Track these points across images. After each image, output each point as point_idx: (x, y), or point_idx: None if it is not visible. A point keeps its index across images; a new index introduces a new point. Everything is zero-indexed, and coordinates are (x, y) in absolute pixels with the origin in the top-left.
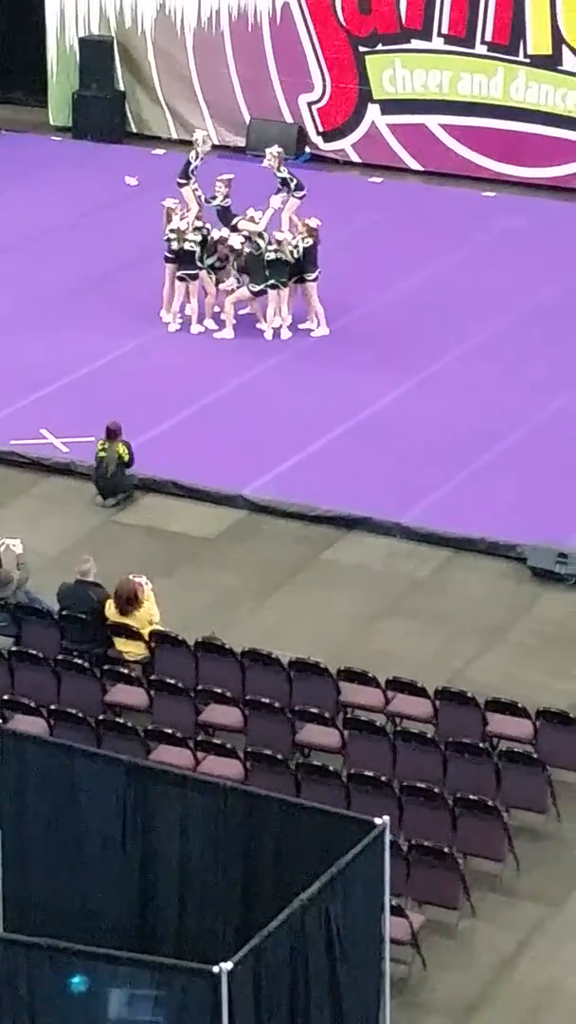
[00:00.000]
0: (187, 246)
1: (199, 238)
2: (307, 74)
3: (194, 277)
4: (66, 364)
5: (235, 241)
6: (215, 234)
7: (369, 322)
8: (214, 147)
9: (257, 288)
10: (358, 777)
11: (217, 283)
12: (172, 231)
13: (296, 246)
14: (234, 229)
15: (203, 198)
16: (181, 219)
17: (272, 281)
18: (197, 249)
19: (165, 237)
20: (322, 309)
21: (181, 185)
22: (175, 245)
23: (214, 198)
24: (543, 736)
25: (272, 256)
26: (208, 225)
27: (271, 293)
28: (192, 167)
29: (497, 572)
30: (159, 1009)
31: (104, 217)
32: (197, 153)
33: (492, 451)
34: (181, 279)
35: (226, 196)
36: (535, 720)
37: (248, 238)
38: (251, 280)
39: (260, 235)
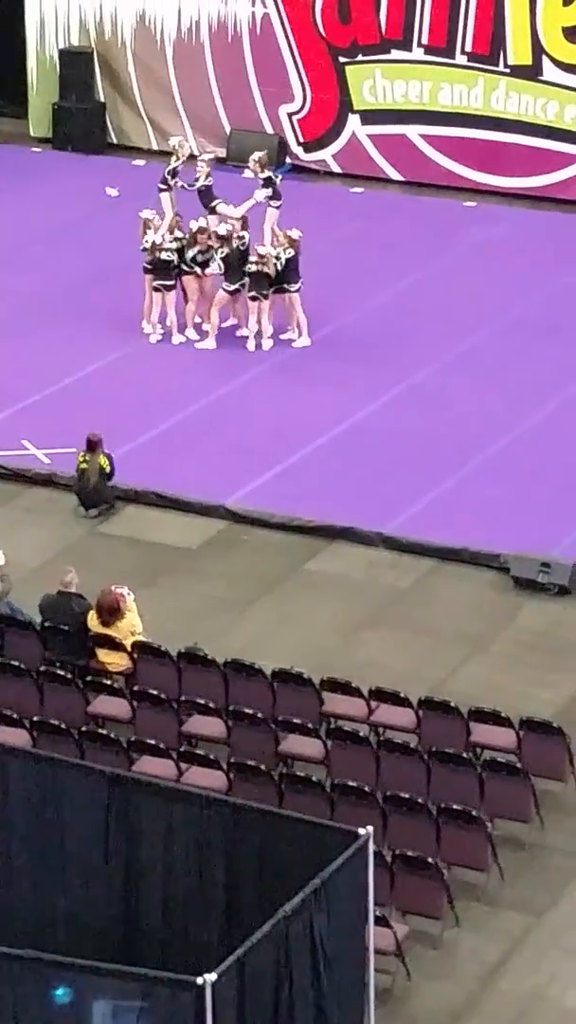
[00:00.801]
0: (163, 256)
1: (175, 247)
2: (287, 85)
3: (170, 288)
4: (47, 375)
5: (221, 229)
6: (193, 225)
7: (351, 332)
8: (192, 157)
9: (232, 287)
10: (342, 787)
11: (203, 273)
12: (148, 242)
13: (278, 257)
14: (212, 211)
15: (181, 184)
16: (156, 231)
17: (252, 292)
18: (174, 258)
19: (142, 248)
20: (305, 319)
21: (161, 191)
22: (151, 256)
23: (197, 180)
24: (526, 745)
25: (253, 268)
26: (184, 235)
27: (251, 304)
28: (169, 168)
29: (480, 582)
30: (143, 1020)
31: (85, 228)
32: (177, 156)
33: (475, 461)
34: (157, 290)
35: (208, 175)
36: (518, 730)
37: (226, 239)
38: (226, 279)
39: (240, 237)
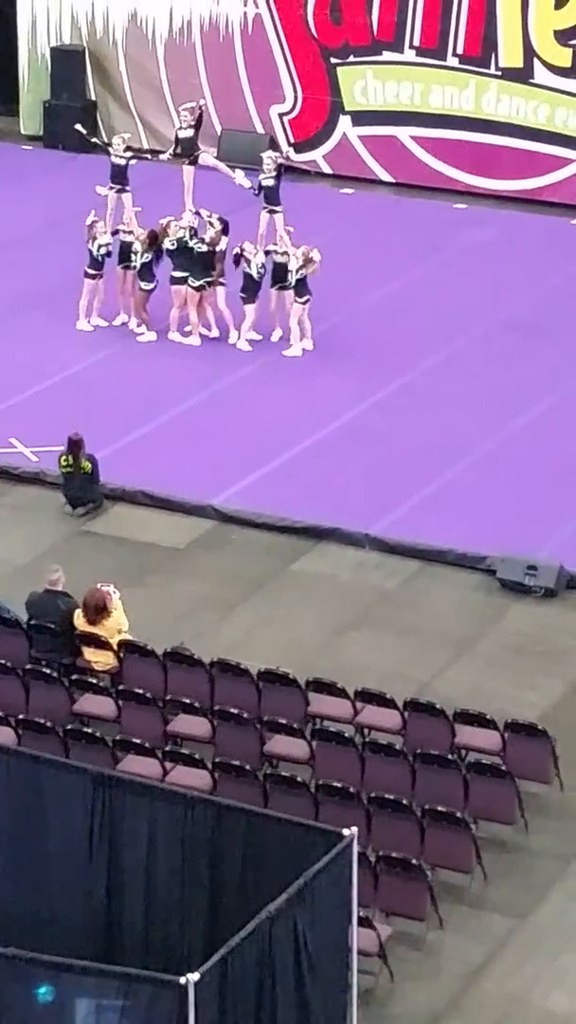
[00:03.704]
0: (90, 244)
1: (106, 241)
2: (278, 85)
3: (93, 276)
4: (35, 373)
5: (186, 220)
6: (162, 220)
7: (340, 334)
8: (130, 148)
9: (197, 283)
10: (326, 788)
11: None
12: (88, 228)
13: (263, 267)
14: (194, 161)
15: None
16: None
17: (304, 297)
18: (94, 250)
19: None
20: (297, 330)
21: (112, 188)
22: (90, 246)
23: (181, 128)
24: (511, 748)
25: (303, 275)
26: (128, 227)
27: (296, 308)
28: (115, 161)
29: (466, 584)
30: (125, 1019)
31: (74, 226)
32: (117, 154)
33: (462, 463)
34: (86, 274)
35: (191, 126)
36: (503, 732)
37: (204, 240)
38: (192, 276)
39: (214, 238)
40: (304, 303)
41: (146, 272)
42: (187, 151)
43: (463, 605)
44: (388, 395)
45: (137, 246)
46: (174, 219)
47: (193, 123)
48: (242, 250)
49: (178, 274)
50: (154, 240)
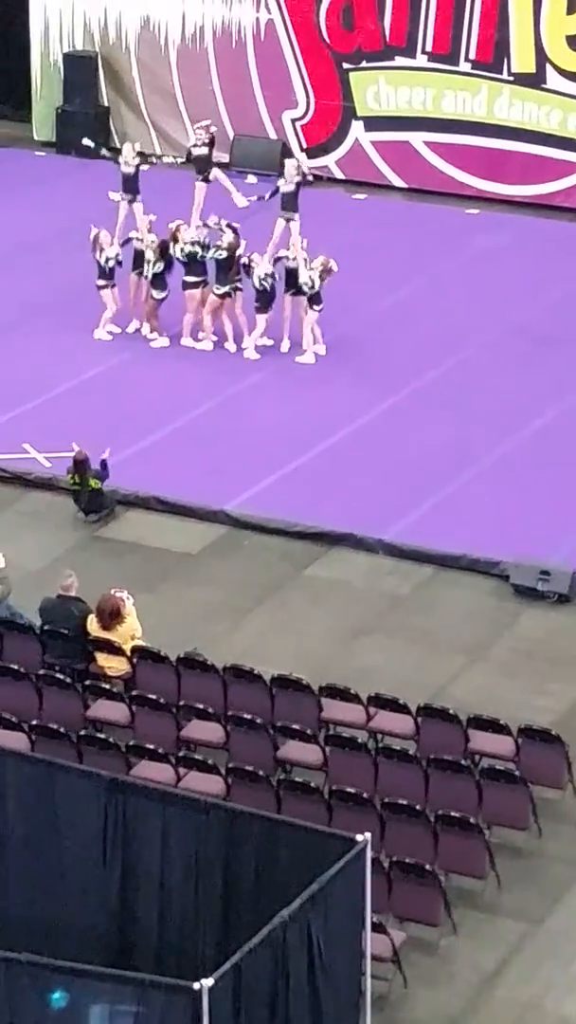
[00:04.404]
0: (97, 255)
1: (113, 253)
2: (291, 91)
3: (104, 287)
4: (50, 379)
5: (196, 234)
6: (172, 225)
7: (351, 339)
8: (141, 154)
9: (221, 291)
10: (340, 793)
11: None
12: (93, 241)
13: (272, 275)
14: (207, 179)
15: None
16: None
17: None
18: (101, 261)
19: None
20: (311, 338)
21: (123, 198)
22: (98, 257)
23: (195, 145)
24: (524, 753)
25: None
26: (138, 234)
27: (308, 317)
28: (125, 170)
29: (479, 589)
30: None
31: (87, 232)
32: (127, 163)
33: (475, 468)
34: (98, 286)
35: (205, 144)
36: (517, 737)
37: (221, 246)
38: (217, 282)
39: (233, 247)
40: (319, 311)
41: (159, 281)
42: (200, 169)
43: (476, 610)
44: (400, 400)
45: (149, 255)
46: (183, 223)
47: (207, 141)
48: (249, 260)
49: (191, 279)
50: (165, 250)
